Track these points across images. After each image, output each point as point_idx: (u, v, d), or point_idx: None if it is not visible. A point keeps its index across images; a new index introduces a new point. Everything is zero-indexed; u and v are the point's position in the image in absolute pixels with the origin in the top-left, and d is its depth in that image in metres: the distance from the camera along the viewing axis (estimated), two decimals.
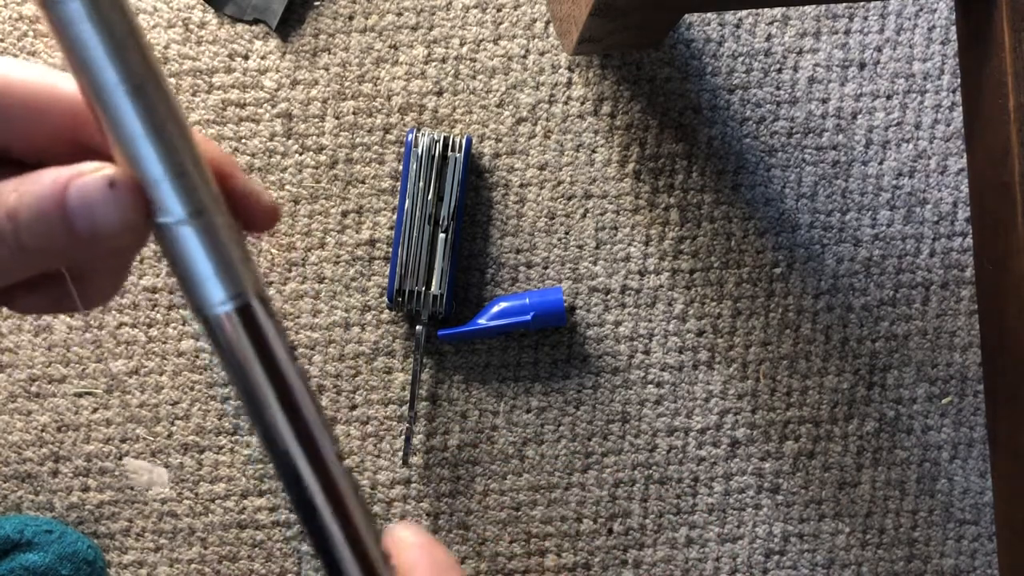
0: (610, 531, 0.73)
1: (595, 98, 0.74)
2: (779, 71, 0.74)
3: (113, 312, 0.72)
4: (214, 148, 0.25)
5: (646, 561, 0.74)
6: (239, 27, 0.72)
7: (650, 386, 0.74)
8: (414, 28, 0.73)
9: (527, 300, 0.71)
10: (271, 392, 0.24)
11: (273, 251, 0.72)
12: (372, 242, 0.72)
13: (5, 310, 0.71)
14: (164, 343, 0.72)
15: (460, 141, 0.70)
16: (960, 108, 0.75)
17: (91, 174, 0.22)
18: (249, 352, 0.23)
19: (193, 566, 0.72)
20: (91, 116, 0.23)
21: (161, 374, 0.72)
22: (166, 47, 0.72)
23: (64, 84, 0.24)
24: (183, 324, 0.72)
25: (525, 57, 0.73)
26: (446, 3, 0.73)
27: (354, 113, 0.73)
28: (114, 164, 0.23)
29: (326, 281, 0.72)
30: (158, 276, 0.72)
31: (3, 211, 0.22)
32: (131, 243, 0.23)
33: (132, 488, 0.72)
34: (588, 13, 0.57)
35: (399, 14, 0.73)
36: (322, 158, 0.72)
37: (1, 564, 0.64)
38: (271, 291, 0.72)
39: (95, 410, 0.72)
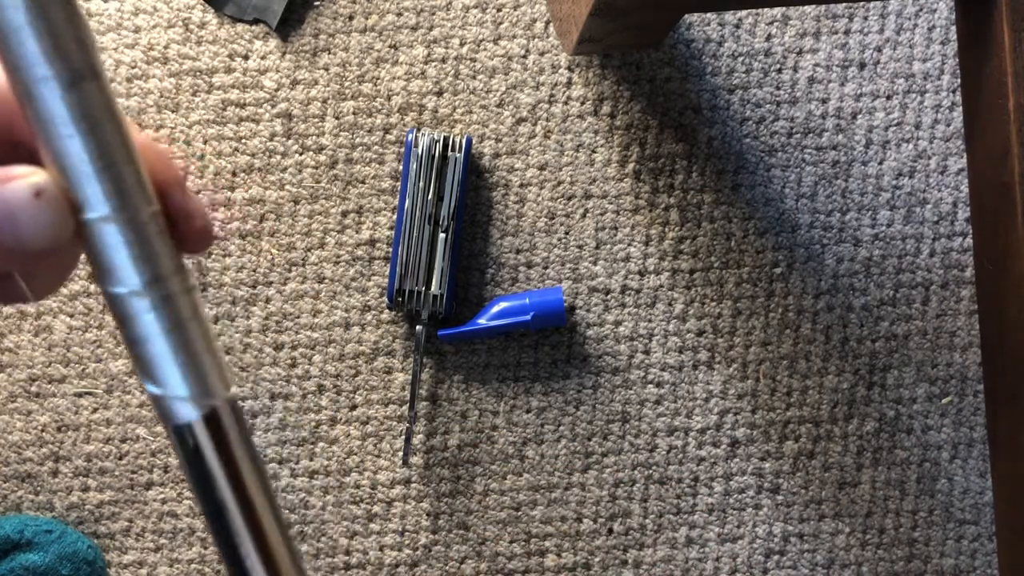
0: (610, 531, 0.74)
1: (595, 98, 0.74)
2: (779, 71, 0.74)
3: None
4: (156, 157, 0.24)
5: (646, 561, 0.74)
6: (239, 27, 0.72)
7: (650, 386, 0.74)
8: (414, 28, 0.73)
9: (527, 300, 0.71)
10: (237, 514, 0.23)
11: (273, 251, 0.72)
12: (372, 242, 0.72)
13: (6, 310, 0.71)
14: None
15: (460, 141, 0.70)
16: (960, 108, 0.75)
17: (15, 181, 0.21)
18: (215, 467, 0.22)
19: (193, 566, 0.72)
20: (19, 109, 0.21)
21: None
22: (166, 47, 0.72)
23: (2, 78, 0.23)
24: None
25: (525, 57, 0.73)
26: (446, 3, 0.73)
27: (354, 113, 0.73)
28: (42, 167, 0.21)
29: (326, 281, 0.72)
30: None
31: None
32: (61, 250, 0.22)
33: (132, 488, 0.72)
34: (588, 13, 0.57)
35: (399, 14, 0.73)
36: (322, 158, 0.72)
37: (1, 564, 0.64)
38: (271, 291, 0.72)
39: (95, 410, 0.72)
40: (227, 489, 0.23)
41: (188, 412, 0.22)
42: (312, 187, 0.72)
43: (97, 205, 0.21)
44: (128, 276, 0.22)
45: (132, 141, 0.22)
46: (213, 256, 0.72)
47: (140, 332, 0.22)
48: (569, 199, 0.73)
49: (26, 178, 0.21)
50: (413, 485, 0.73)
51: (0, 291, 0.24)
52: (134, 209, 0.21)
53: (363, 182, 0.73)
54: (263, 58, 0.72)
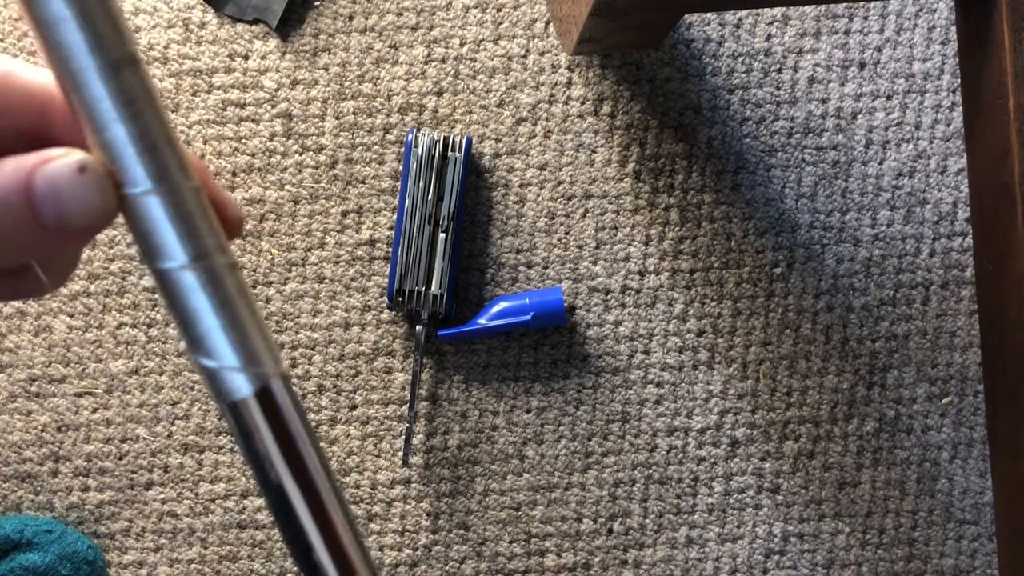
0: (610, 531, 0.73)
1: (595, 98, 0.74)
2: (779, 71, 0.74)
3: (113, 312, 0.72)
4: (188, 153, 0.24)
5: (646, 561, 0.74)
6: (239, 27, 0.72)
7: (650, 386, 0.74)
8: (414, 28, 0.73)
9: (527, 300, 0.71)
10: (296, 492, 0.23)
11: (273, 251, 0.72)
12: (372, 242, 0.72)
13: (6, 310, 0.71)
14: (164, 343, 0.72)
15: (460, 141, 0.70)
16: (960, 108, 0.75)
17: (59, 159, 0.21)
18: (270, 442, 0.23)
19: (193, 566, 0.72)
20: (60, 100, 0.21)
21: (161, 374, 0.72)
22: (166, 47, 0.72)
23: (23, 71, 0.23)
24: None
25: (525, 57, 0.73)
26: (446, 3, 0.73)
27: (354, 113, 0.73)
28: (83, 149, 0.22)
29: (326, 281, 0.72)
30: None
31: None
32: (100, 229, 0.22)
33: (132, 488, 0.72)
34: (588, 13, 0.57)
35: (399, 14, 0.73)
36: (322, 158, 0.72)
37: (1, 564, 0.64)
38: (271, 291, 0.72)
39: (95, 410, 0.72)
40: (283, 465, 0.23)
41: (242, 387, 0.22)
42: (312, 187, 0.72)
43: (141, 180, 0.21)
44: (175, 251, 0.22)
45: (170, 124, 0.22)
46: None
47: (190, 307, 0.22)
48: (569, 199, 0.73)
49: (68, 155, 0.21)
50: (413, 485, 0.73)
51: (16, 285, 0.24)
52: (176, 183, 0.22)
53: (363, 182, 0.73)
54: (263, 58, 0.72)
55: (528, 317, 0.70)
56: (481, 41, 0.73)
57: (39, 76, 0.23)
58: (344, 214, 0.72)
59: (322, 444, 0.73)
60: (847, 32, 0.75)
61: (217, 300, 0.22)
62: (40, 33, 0.21)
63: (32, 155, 0.21)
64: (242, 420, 0.22)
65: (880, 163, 0.75)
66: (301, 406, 0.23)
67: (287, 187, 0.72)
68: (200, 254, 0.22)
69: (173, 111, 0.72)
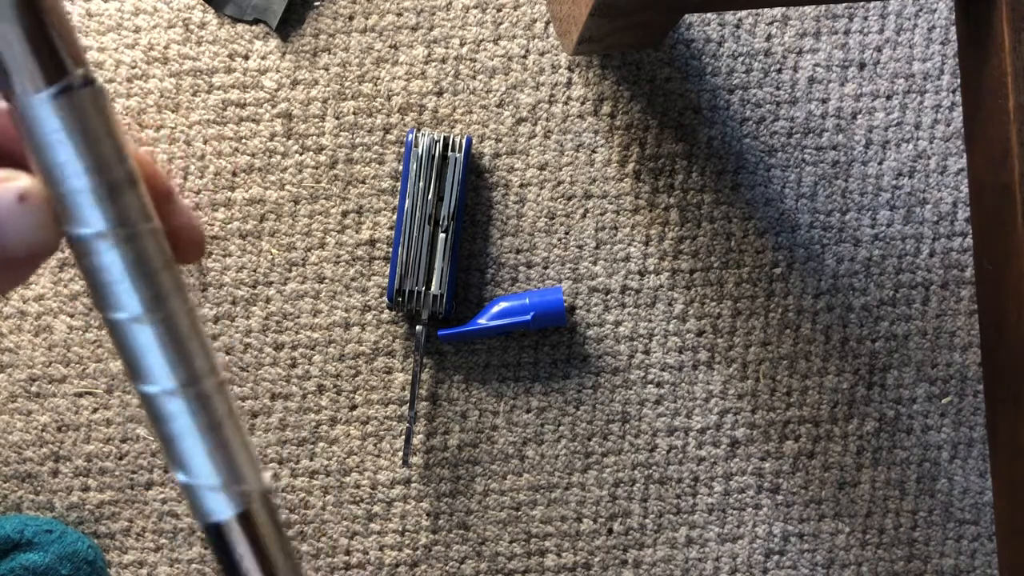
0: (610, 531, 0.74)
1: (595, 98, 0.74)
2: (779, 71, 0.74)
3: None
4: (152, 168, 0.23)
5: (646, 561, 0.74)
6: (239, 27, 0.72)
7: (650, 386, 0.74)
8: (414, 28, 0.73)
9: (527, 300, 0.71)
10: None
11: (273, 251, 0.72)
12: (372, 242, 0.72)
13: (6, 309, 0.71)
14: None
15: (460, 141, 0.70)
16: (960, 108, 0.75)
17: (1, 183, 0.20)
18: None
19: (193, 566, 0.72)
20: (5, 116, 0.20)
21: None
22: (166, 47, 0.72)
23: None
24: None
25: (525, 57, 0.73)
26: (446, 3, 0.73)
27: (354, 113, 0.73)
28: (28, 172, 0.20)
29: (326, 281, 0.72)
30: None
31: None
32: (40, 261, 0.21)
33: (132, 488, 0.72)
34: (588, 13, 0.57)
35: (399, 14, 0.73)
36: (322, 158, 0.72)
37: (1, 564, 0.64)
38: (271, 291, 0.72)
39: (95, 410, 0.72)
40: None
41: (222, 510, 0.22)
42: (312, 187, 0.72)
43: (93, 222, 0.20)
44: (128, 301, 0.21)
45: (130, 156, 0.21)
46: (213, 256, 0.72)
47: (170, 427, 0.21)
48: (569, 199, 0.73)
49: (11, 181, 0.20)
50: (413, 485, 0.73)
51: None
52: (128, 222, 0.21)
53: (363, 182, 0.73)
54: (263, 58, 0.72)
55: (528, 317, 0.70)
56: (481, 41, 0.73)
57: None
58: (344, 214, 0.72)
59: (322, 444, 0.73)
60: (847, 32, 0.75)
61: (204, 425, 0.21)
62: None
63: None
64: (220, 542, 0.22)
65: (880, 163, 0.75)
66: (280, 525, 0.23)
67: (287, 187, 0.72)
68: (154, 305, 0.21)
69: (173, 111, 0.72)
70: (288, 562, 0.23)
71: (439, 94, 0.73)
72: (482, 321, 0.71)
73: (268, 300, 0.72)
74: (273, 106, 0.72)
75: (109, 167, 0.20)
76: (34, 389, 0.71)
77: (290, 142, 0.72)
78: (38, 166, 0.20)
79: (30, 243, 0.20)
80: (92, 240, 0.20)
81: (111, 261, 0.20)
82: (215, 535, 0.22)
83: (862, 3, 0.74)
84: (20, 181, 0.20)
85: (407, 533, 0.73)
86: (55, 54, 0.20)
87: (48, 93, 0.20)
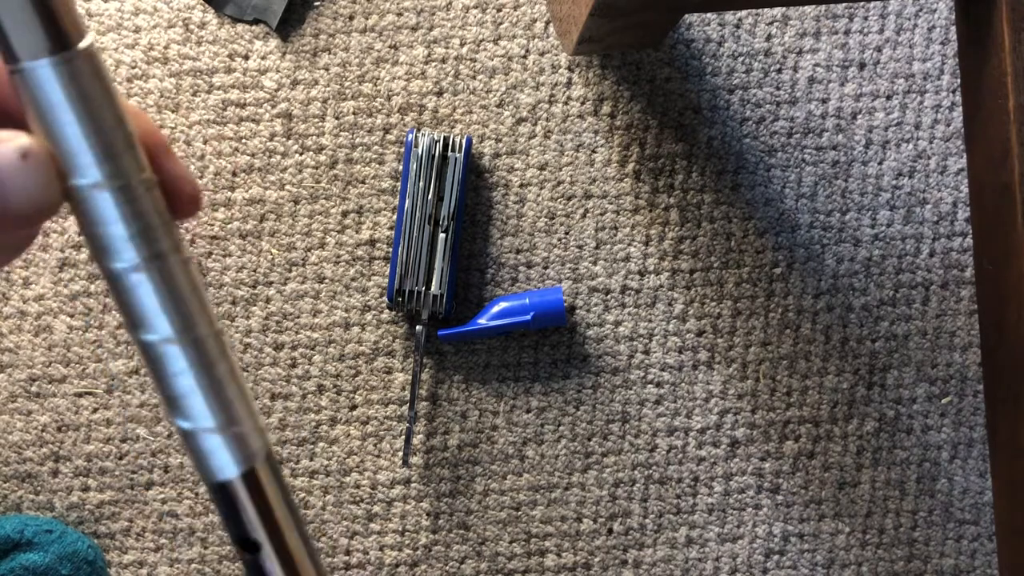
0: (610, 531, 0.74)
1: (595, 98, 0.74)
2: (779, 71, 0.74)
3: (113, 312, 0.72)
4: (146, 123, 0.23)
5: (646, 561, 0.74)
6: (239, 27, 0.72)
7: (650, 386, 0.74)
8: (414, 28, 0.73)
9: (527, 300, 0.71)
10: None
11: (273, 251, 0.72)
12: (372, 242, 0.72)
13: (6, 309, 0.71)
14: None
15: (460, 141, 0.70)
16: (960, 108, 0.75)
17: (2, 144, 0.20)
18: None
19: (193, 566, 0.72)
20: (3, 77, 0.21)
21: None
22: (166, 47, 0.72)
23: None
24: None
25: (525, 57, 0.73)
26: (446, 3, 0.73)
27: (354, 113, 0.73)
28: (28, 132, 0.21)
29: (326, 281, 0.72)
30: None
31: None
32: (45, 219, 0.21)
33: (132, 488, 0.72)
34: (588, 13, 0.57)
35: (399, 14, 0.73)
36: (322, 158, 0.72)
37: (1, 564, 0.64)
38: (271, 291, 0.72)
39: (95, 410, 0.72)
40: (268, 545, 0.23)
41: (228, 469, 0.22)
42: (312, 187, 0.72)
43: (91, 175, 0.21)
44: (124, 248, 0.21)
45: (126, 116, 0.22)
46: (213, 256, 0.72)
47: (168, 369, 0.22)
48: (569, 199, 0.73)
49: (12, 141, 0.20)
50: (413, 485, 0.73)
51: None
52: (126, 175, 0.21)
53: (363, 182, 0.73)
54: (263, 58, 0.72)
55: (528, 317, 0.70)
56: (481, 41, 0.73)
57: None
58: (344, 214, 0.72)
59: (322, 444, 0.73)
60: (847, 32, 0.75)
61: (200, 367, 0.22)
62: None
63: None
64: (226, 500, 0.22)
65: (880, 163, 0.75)
66: (283, 482, 0.23)
67: (287, 187, 0.72)
68: (152, 254, 0.21)
69: (173, 111, 0.72)
70: (293, 520, 0.23)
71: (439, 94, 0.73)
72: (482, 321, 0.71)
73: (268, 300, 0.72)
74: (273, 106, 0.72)
75: (108, 128, 0.21)
76: (34, 389, 0.71)
77: (290, 142, 0.72)
78: (39, 128, 0.21)
79: (34, 200, 0.20)
80: (90, 191, 0.21)
81: (109, 211, 0.21)
82: (221, 494, 0.22)
83: (862, 3, 0.74)
84: (21, 140, 0.20)
85: (407, 533, 0.73)
86: (56, 21, 0.20)
87: (49, 60, 0.20)
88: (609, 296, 0.73)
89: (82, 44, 0.21)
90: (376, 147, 0.73)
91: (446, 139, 0.70)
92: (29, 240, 0.25)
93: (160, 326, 0.22)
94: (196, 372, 0.22)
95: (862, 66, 0.75)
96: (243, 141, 0.72)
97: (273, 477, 0.23)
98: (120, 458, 0.72)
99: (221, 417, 0.22)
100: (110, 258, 0.21)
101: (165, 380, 0.22)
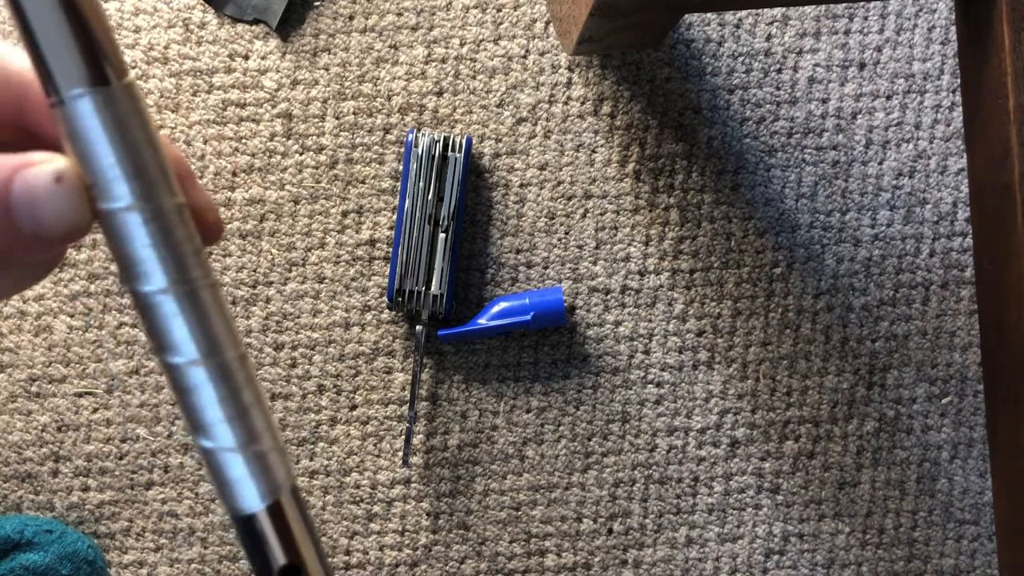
0: (610, 531, 0.73)
1: (595, 98, 0.74)
2: (779, 71, 0.74)
3: (113, 312, 0.72)
4: (173, 152, 0.23)
5: (646, 561, 0.74)
6: (239, 27, 0.72)
7: (650, 386, 0.74)
8: (414, 28, 0.73)
9: (527, 300, 0.71)
10: None
11: (273, 251, 0.72)
12: (372, 242, 0.72)
13: (6, 309, 0.71)
14: None
15: (460, 141, 0.70)
16: (960, 108, 0.75)
17: (37, 166, 0.20)
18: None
19: (193, 566, 0.72)
20: (37, 87, 0.21)
21: (161, 374, 0.72)
22: (166, 47, 0.72)
23: (13, 59, 0.23)
24: None
25: (525, 57, 0.73)
26: (446, 3, 0.73)
27: (354, 113, 0.73)
28: (62, 155, 0.21)
29: (326, 281, 0.72)
30: None
31: None
32: (74, 240, 0.21)
33: (132, 488, 0.72)
34: (588, 13, 0.57)
35: (399, 14, 0.73)
36: (322, 158, 0.72)
37: (1, 564, 0.64)
38: (271, 291, 0.72)
39: (95, 410, 0.72)
40: None
41: (253, 501, 0.22)
42: (312, 187, 0.72)
43: (120, 196, 0.21)
44: (154, 272, 0.21)
45: (160, 145, 0.22)
46: (213, 256, 0.72)
47: (195, 398, 0.22)
48: (569, 199, 0.73)
49: (47, 163, 0.20)
50: (413, 485, 0.73)
51: None
52: (159, 200, 0.21)
53: (363, 182, 0.73)
54: (263, 58, 0.72)
55: (528, 317, 0.70)
56: (481, 41, 0.73)
57: (15, 59, 0.23)
58: (344, 214, 0.72)
59: (322, 444, 0.73)
60: (847, 32, 0.75)
61: (227, 391, 0.22)
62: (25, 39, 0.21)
63: (12, 157, 0.21)
64: (251, 534, 0.22)
65: (880, 163, 0.75)
66: (308, 517, 0.23)
67: (287, 187, 0.72)
68: (180, 279, 0.21)
69: (173, 111, 0.72)
70: (316, 553, 0.23)
71: (439, 94, 0.73)
72: (482, 321, 0.71)
73: (268, 300, 0.72)
74: (273, 106, 0.72)
75: (144, 160, 0.21)
76: (34, 389, 0.71)
77: (290, 142, 0.72)
78: (74, 154, 0.21)
79: (66, 222, 0.21)
80: (121, 214, 0.21)
81: (139, 234, 0.21)
82: (246, 527, 0.22)
83: (862, 3, 0.74)
84: (56, 163, 0.20)
85: (407, 533, 0.73)
86: (96, 55, 0.21)
87: (89, 93, 0.21)
88: (609, 296, 0.73)
89: (124, 79, 0.21)
90: (376, 147, 0.73)
91: (446, 139, 0.70)
92: (57, 261, 0.25)
93: (187, 349, 0.22)
94: (222, 397, 0.22)
95: (862, 66, 0.75)
96: (243, 141, 0.72)
97: (298, 510, 0.23)
98: (120, 458, 0.72)
99: (246, 444, 0.22)
100: (140, 281, 0.22)
101: (190, 404, 0.22)
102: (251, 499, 0.22)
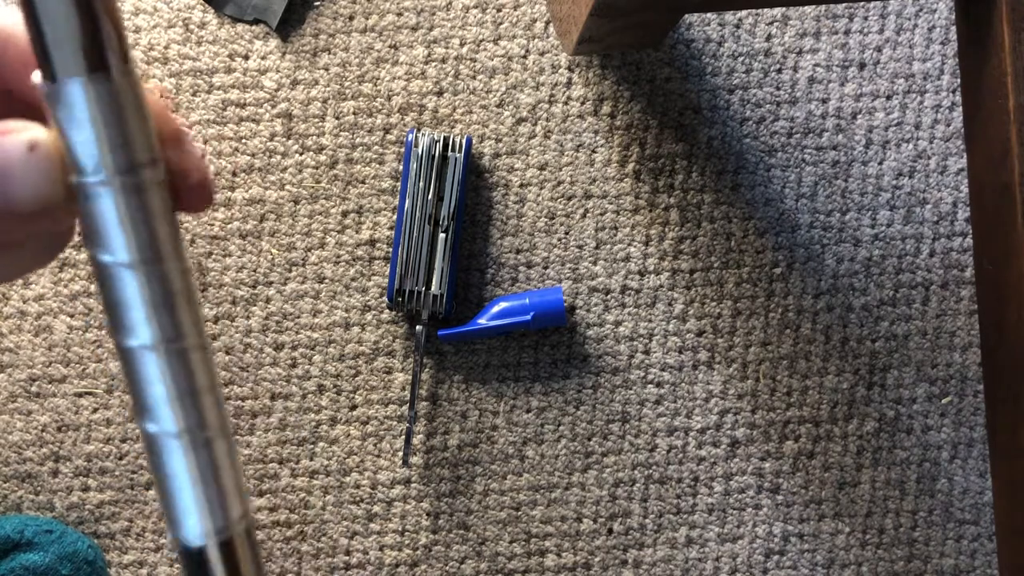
0: (610, 531, 0.73)
1: (595, 98, 0.74)
2: (779, 71, 0.74)
3: None
4: (160, 110, 0.22)
5: (646, 561, 0.74)
6: (239, 27, 0.72)
7: (650, 386, 0.74)
8: (414, 28, 0.73)
9: (527, 300, 0.71)
10: None
11: (273, 251, 0.72)
12: (372, 242, 0.72)
13: (6, 309, 0.71)
14: None
15: (460, 141, 0.70)
16: (960, 108, 0.75)
17: (11, 135, 0.20)
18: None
19: None
20: (17, 41, 0.20)
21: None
22: (166, 47, 0.72)
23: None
24: None
25: (525, 57, 0.73)
26: (446, 3, 0.73)
27: (354, 113, 0.73)
28: (41, 124, 0.20)
29: (326, 281, 0.72)
30: None
31: None
32: (47, 218, 0.20)
33: (132, 488, 0.72)
34: (588, 13, 0.57)
35: (399, 14, 0.73)
36: (322, 158, 0.72)
37: (1, 564, 0.64)
38: (271, 291, 0.72)
39: (95, 410, 0.72)
40: None
41: (199, 535, 0.21)
42: (312, 187, 0.72)
43: (92, 169, 0.20)
44: (116, 244, 0.20)
45: (152, 128, 0.21)
46: (213, 256, 0.72)
47: (147, 387, 0.21)
48: (569, 199, 0.73)
49: (22, 132, 0.20)
50: (413, 485, 0.73)
51: None
52: (139, 176, 0.20)
53: (363, 182, 0.73)
54: (263, 58, 0.72)
55: (528, 317, 0.70)
56: (481, 41, 0.73)
57: None
58: (344, 214, 0.72)
59: (322, 444, 0.73)
60: (847, 32, 0.75)
61: (182, 376, 0.21)
62: None
63: None
64: (195, 566, 0.21)
65: (880, 163, 0.75)
66: (259, 555, 0.22)
67: (287, 187, 0.72)
68: (150, 257, 0.20)
69: (173, 111, 0.72)
70: None
71: (439, 94, 0.73)
72: (482, 321, 0.71)
73: (268, 300, 0.72)
74: (273, 106, 0.72)
75: (133, 150, 0.20)
76: (34, 389, 0.71)
77: (290, 142, 0.72)
78: (56, 128, 0.20)
79: (37, 194, 0.20)
80: (93, 187, 0.20)
81: (108, 207, 0.20)
82: (192, 560, 0.21)
83: (862, 3, 0.74)
84: (31, 131, 0.20)
85: (407, 533, 0.73)
86: (99, 40, 0.20)
87: (83, 80, 0.20)
88: (609, 296, 0.73)
89: (123, 66, 0.20)
90: (376, 147, 0.73)
91: (446, 139, 0.70)
92: (62, 242, 0.24)
93: (143, 333, 0.20)
94: (175, 379, 0.21)
95: (862, 66, 0.75)
96: (243, 141, 0.72)
97: (250, 550, 0.21)
98: (120, 458, 0.72)
99: (194, 428, 0.21)
100: (102, 251, 0.21)
101: (138, 386, 0.21)
102: (198, 533, 0.21)
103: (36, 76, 0.20)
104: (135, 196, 0.20)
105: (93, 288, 0.72)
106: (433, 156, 0.70)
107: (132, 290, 0.20)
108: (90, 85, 0.20)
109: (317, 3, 0.73)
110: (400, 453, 0.72)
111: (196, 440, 0.21)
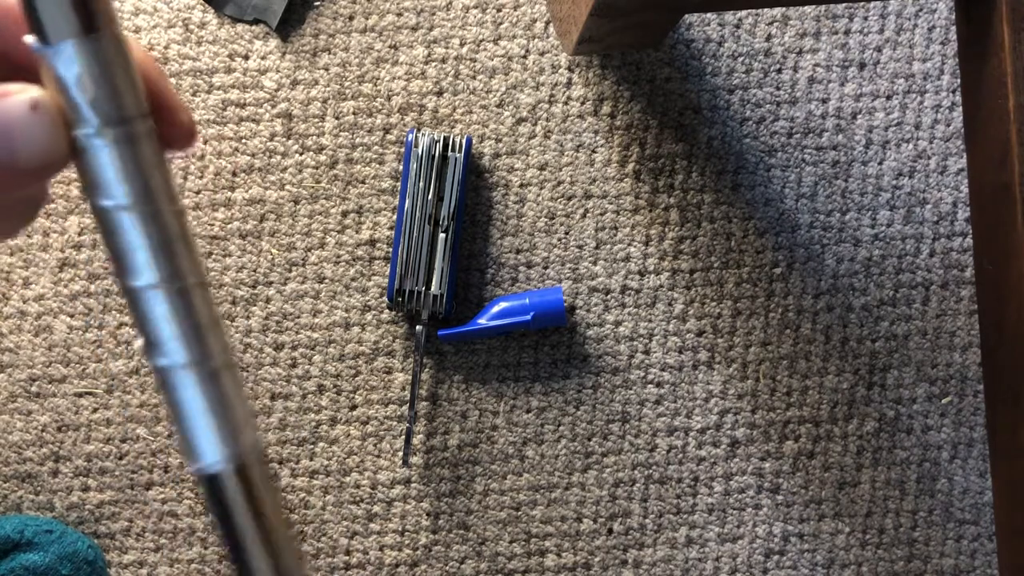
0: (610, 531, 0.73)
1: (595, 98, 0.74)
2: (779, 71, 0.74)
3: (113, 312, 0.72)
4: (140, 53, 0.23)
5: (646, 561, 0.74)
6: (239, 27, 0.72)
7: (650, 386, 0.74)
8: (414, 28, 0.73)
9: (527, 300, 0.71)
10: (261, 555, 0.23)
11: (273, 251, 0.72)
12: (372, 242, 0.72)
13: (6, 309, 0.71)
14: None
15: (460, 141, 0.70)
16: (960, 108, 0.75)
17: (12, 95, 0.20)
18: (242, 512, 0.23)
19: (193, 566, 0.72)
20: (11, 4, 0.21)
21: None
22: (166, 47, 0.72)
23: None
24: None
25: (525, 57, 0.73)
26: (446, 3, 0.73)
27: (354, 113, 0.73)
28: (39, 85, 0.21)
29: (326, 281, 0.72)
30: None
31: None
32: (51, 174, 0.21)
33: (132, 488, 0.72)
34: (588, 13, 0.57)
35: (399, 14, 0.73)
36: (322, 158, 0.72)
37: (1, 564, 0.64)
38: (271, 291, 0.72)
39: (95, 410, 0.72)
40: (255, 541, 0.23)
41: (216, 462, 0.22)
42: (312, 187, 0.72)
43: (89, 124, 0.21)
44: (116, 190, 0.22)
45: (140, 86, 0.22)
46: (213, 256, 0.72)
47: (157, 325, 0.22)
48: (569, 199, 0.73)
49: (23, 92, 0.20)
50: (413, 485, 0.73)
51: None
52: (131, 126, 0.22)
53: (363, 182, 0.73)
54: (263, 58, 0.72)
55: (528, 317, 0.70)
56: (481, 41, 0.73)
57: None
58: (344, 214, 0.72)
59: (322, 444, 0.73)
60: (847, 32, 0.75)
61: (188, 320, 0.22)
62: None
63: None
64: (215, 493, 0.23)
65: (880, 163, 0.75)
66: (271, 479, 0.23)
67: (287, 187, 0.72)
68: (143, 198, 0.22)
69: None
70: (280, 517, 0.23)
71: (439, 94, 0.73)
72: (482, 321, 0.71)
73: (268, 300, 0.72)
74: (273, 106, 0.72)
75: (125, 106, 0.22)
76: (34, 389, 0.71)
77: (290, 142, 0.72)
78: (52, 88, 0.21)
79: (42, 152, 0.21)
80: (91, 139, 0.21)
81: (105, 157, 0.22)
82: (211, 486, 0.23)
83: (862, 3, 0.74)
84: (30, 92, 0.21)
85: (407, 533, 0.73)
86: (88, 3, 0.21)
87: (76, 42, 0.21)
88: (609, 296, 0.73)
89: (111, 27, 0.21)
90: (376, 147, 0.73)
91: (446, 139, 0.70)
92: (38, 205, 0.25)
93: (145, 273, 0.22)
94: (179, 321, 0.22)
95: (862, 66, 0.75)
96: (243, 141, 0.72)
97: (262, 472, 0.23)
98: (120, 458, 0.72)
99: (200, 360, 0.22)
100: (101, 197, 0.22)
101: (146, 323, 0.22)
102: (215, 457, 0.22)
103: (29, 39, 0.21)
104: (129, 146, 0.22)
105: (93, 288, 0.72)
106: (433, 156, 0.70)
107: (133, 232, 0.22)
108: (82, 47, 0.21)
109: (317, 3, 0.73)
110: (400, 453, 0.72)
111: (204, 371, 0.22)
